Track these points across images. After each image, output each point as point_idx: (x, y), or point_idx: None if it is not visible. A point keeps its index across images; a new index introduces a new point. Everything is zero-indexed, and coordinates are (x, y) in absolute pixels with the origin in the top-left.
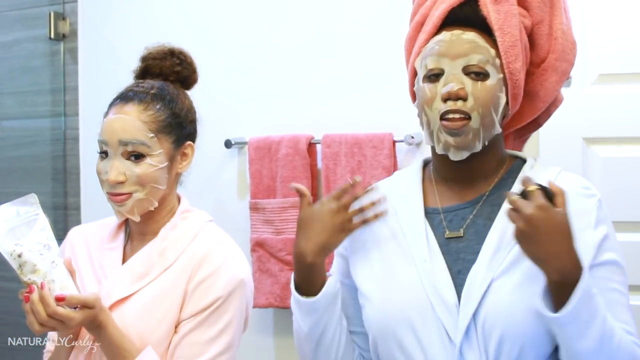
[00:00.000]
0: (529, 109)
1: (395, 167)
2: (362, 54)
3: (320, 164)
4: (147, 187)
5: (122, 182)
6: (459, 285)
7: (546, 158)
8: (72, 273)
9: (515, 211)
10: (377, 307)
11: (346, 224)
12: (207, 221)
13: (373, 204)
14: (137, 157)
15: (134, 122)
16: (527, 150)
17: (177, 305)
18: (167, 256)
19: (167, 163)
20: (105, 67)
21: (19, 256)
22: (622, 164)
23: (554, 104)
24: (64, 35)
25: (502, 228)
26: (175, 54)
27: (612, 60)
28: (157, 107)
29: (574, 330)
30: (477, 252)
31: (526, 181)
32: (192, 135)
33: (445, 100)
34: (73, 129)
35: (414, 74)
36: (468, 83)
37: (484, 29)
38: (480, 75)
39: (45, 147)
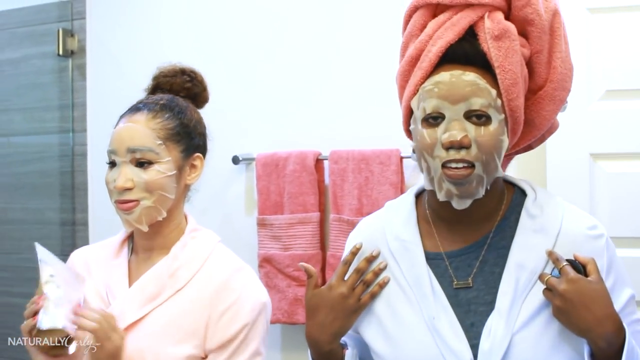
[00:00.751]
0: (523, 137)
1: (402, 183)
2: (369, 70)
3: (327, 180)
4: (155, 194)
5: (130, 189)
6: (472, 338)
7: (553, 174)
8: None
9: (549, 290)
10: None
11: (356, 304)
12: (217, 242)
13: (375, 274)
14: (145, 164)
15: (143, 130)
16: (534, 166)
17: (197, 333)
18: (179, 277)
19: (175, 172)
20: (112, 83)
21: (51, 275)
22: (628, 179)
23: (549, 130)
24: (72, 52)
25: (514, 274)
26: (186, 72)
27: (619, 77)
28: (166, 115)
29: None
30: (489, 303)
31: (555, 260)
32: (201, 148)
33: (447, 148)
34: (81, 145)
35: (409, 111)
36: (470, 129)
37: (484, 65)
38: (482, 118)
39: (54, 163)
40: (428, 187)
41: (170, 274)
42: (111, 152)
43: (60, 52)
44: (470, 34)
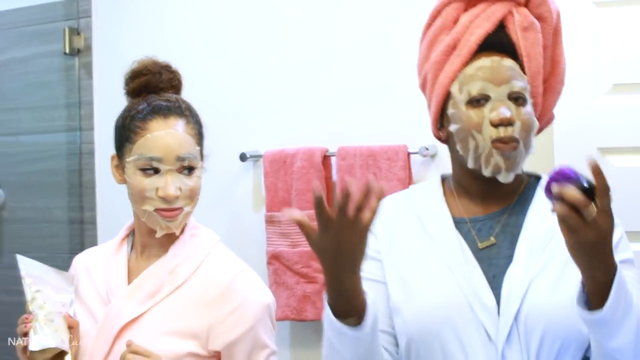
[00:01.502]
0: None
1: (410, 179)
2: (376, 65)
3: (335, 176)
4: (194, 200)
5: (177, 197)
6: (495, 288)
7: None
8: (72, 327)
9: (569, 221)
10: (416, 308)
11: (362, 231)
12: (216, 241)
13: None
14: (190, 170)
15: (186, 137)
16: (542, 161)
17: (199, 334)
18: (178, 274)
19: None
20: (119, 81)
21: (37, 291)
22: (637, 173)
23: (547, 121)
24: (78, 50)
25: (531, 233)
26: (165, 68)
27: (626, 70)
28: (193, 120)
29: (613, 326)
30: (509, 257)
31: (598, 174)
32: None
33: (496, 125)
34: (88, 143)
35: (444, 97)
36: (513, 109)
37: (512, 54)
38: (519, 100)
39: (61, 161)
40: (472, 166)
41: (169, 271)
42: (154, 160)
43: (67, 51)
44: (500, 26)
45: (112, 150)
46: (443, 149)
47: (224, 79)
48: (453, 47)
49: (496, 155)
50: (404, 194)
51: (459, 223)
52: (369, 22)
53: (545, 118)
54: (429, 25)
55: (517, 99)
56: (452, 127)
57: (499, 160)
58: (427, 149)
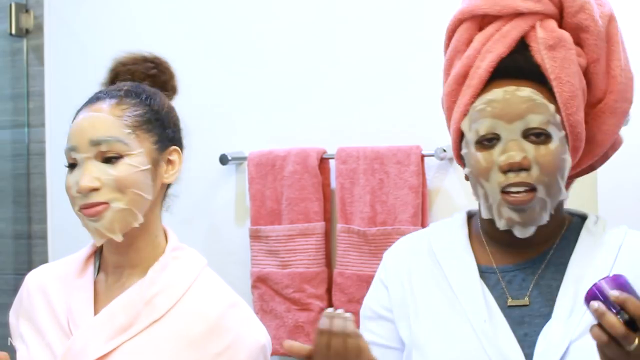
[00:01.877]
0: (585, 156)
1: (424, 187)
2: (384, 52)
3: (334, 183)
4: (128, 194)
5: (96, 189)
6: (526, 347)
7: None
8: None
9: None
10: None
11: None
12: (203, 266)
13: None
14: (113, 158)
15: (107, 117)
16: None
17: None
18: (157, 305)
19: (149, 166)
20: (75, 68)
21: None
22: None
23: (613, 147)
24: (27, 31)
25: (573, 287)
26: (148, 59)
27: None
28: (133, 101)
29: None
30: (545, 315)
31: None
32: (176, 141)
33: (505, 171)
34: (38, 143)
35: (460, 135)
36: (530, 149)
37: (538, 78)
38: (541, 137)
39: (5, 163)
40: (486, 216)
41: (146, 301)
42: (70, 150)
43: (13, 31)
44: (522, 46)
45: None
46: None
47: (201, 66)
48: (464, 76)
49: (507, 208)
50: (422, 234)
51: (485, 273)
52: (377, 4)
53: (603, 145)
54: (446, 47)
55: (537, 135)
56: (466, 170)
57: (512, 214)
58: (444, 150)
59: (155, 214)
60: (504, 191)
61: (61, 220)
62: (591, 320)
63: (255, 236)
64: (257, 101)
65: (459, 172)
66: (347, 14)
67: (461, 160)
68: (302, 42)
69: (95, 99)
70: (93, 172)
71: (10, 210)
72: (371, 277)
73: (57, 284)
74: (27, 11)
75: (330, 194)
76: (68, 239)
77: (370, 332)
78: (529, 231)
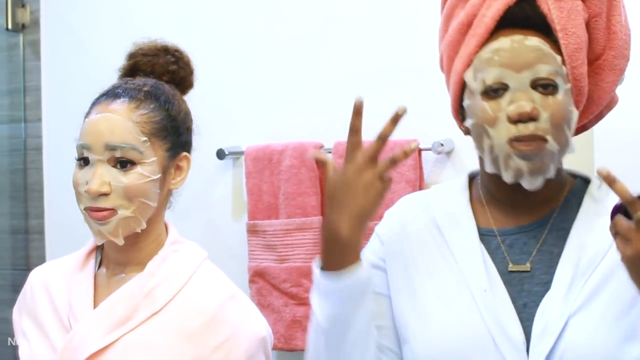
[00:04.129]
0: (582, 113)
1: (421, 181)
2: (380, 46)
3: None
4: (135, 202)
5: (106, 194)
6: (525, 320)
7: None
8: None
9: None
10: (427, 343)
11: (375, 178)
12: (203, 258)
13: (405, 152)
14: (126, 164)
15: (124, 123)
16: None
17: None
18: (156, 297)
19: (160, 175)
20: (72, 63)
21: None
22: None
23: (608, 106)
24: (23, 26)
25: (575, 254)
26: (169, 51)
27: None
28: (151, 106)
29: None
30: (545, 283)
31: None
32: (188, 146)
33: (514, 121)
34: (35, 137)
35: (461, 86)
36: (537, 99)
37: (544, 29)
38: (548, 87)
39: (2, 158)
40: (490, 170)
41: (145, 294)
42: (83, 147)
43: (9, 26)
44: None
45: (62, 145)
46: (461, 145)
47: (198, 60)
48: (468, 25)
49: (516, 158)
50: (423, 194)
51: (486, 236)
52: None
53: (600, 102)
54: (443, 2)
55: (545, 86)
56: (468, 122)
57: (520, 164)
58: (442, 144)
59: (159, 216)
60: (513, 141)
61: (58, 215)
62: (590, 292)
63: (252, 231)
64: (254, 95)
65: (456, 166)
66: (344, 9)
67: (460, 114)
68: (298, 36)
69: (113, 95)
70: (104, 177)
71: (7, 205)
72: None
73: (59, 279)
74: (23, 6)
75: None
76: (65, 234)
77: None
78: (537, 182)
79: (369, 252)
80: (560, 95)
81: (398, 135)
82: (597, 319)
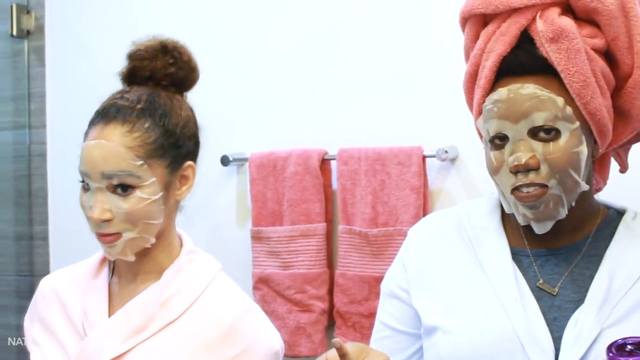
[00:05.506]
0: (623, 129)
1: (425, 188)
2: (385, 53)
3: (335, 184)
4: (139, 225)
5: (108, 220)
6: (554, 331)
7: None
8: None
9: None
10: (455, 343)
11: None
12: (218, 270)
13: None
14: (125, 188)
15: (117, 150)
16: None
17: None
18: (172, 306)
19: (161, 193)
20: (77, 69)
21: None
22: None
23: None
24: (28, 32)
25: (607, 280)
26: (168, 50)
27: None
28: (145, 125)
29: None
30: (577, 301)
31: None
32: (192, 154)
33: (514, 172)
34: (39, 144)
35: (479, 130)
36: (538, 147)
37: (546, 70)
38: (550, 133)
39: (6, 165)
40: (508, 211)
41: (161, 303)
42: (83, 174)
43: (14, 32)
44: (527, 40)
45: (67, 151)
46: (465, 152)
47: (202, 67)
48: (474, 75)
49: (520, 206)
50: (451, 211)
51: (517, 255)
52: (379, 2)
53: (638, 122)
54: (462, 29)
55: (547, 131)
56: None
57: (526, 211)
58: (446, 151)
59: (169, 226)
60: (515, 190)
61: (62, 221)
62: (624, 312)
63: (256, 237)
64: (259, 102)
65: (460, 173)
66: (349, 16)
67: None
68: (303, 43)
69: (106, 115)
70: (104, 204)
71: (11, 211)
72: (373, 279)
73: (71, 287)
74: (28, 12)
75: (331, 195)
76: (69, 240)
77: (385, 310)
78: (546, 227)
79: (392, 279)
80: (563, 140)
81: (403, 142)
82: (633, 334)
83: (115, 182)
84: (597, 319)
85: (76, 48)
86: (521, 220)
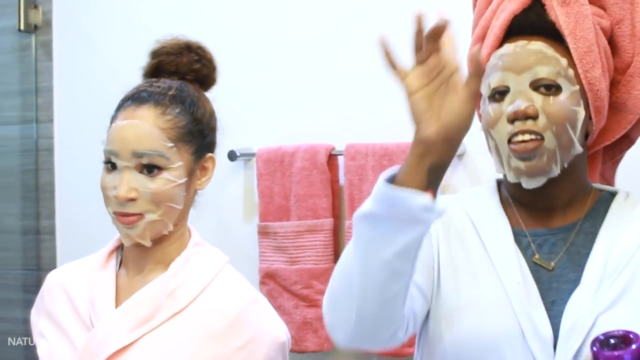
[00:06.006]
0: (617, 123)
1: None
2: (393, 47)
3: (342, 179)
4: (162, 207)
5: (133, 200)
6: (553, 317)
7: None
8: None
9: None
10: (458, 331)
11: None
12: (224, 262)
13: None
14: (153, 169)
15: (151, 130)
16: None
17: None
18: (178, 297)
19: (186, 178)
20: (84, 64)
21: None
22: None
23: None
24: (35, 27)
25: (603, 256)
26: (192, 48)
27: None
28: (177, 110)
29: None
30: (574, 281)
31: None
32: (212, 146)
33: (512, 120)
34: (47, 138)
35: (481, 94)
36: (538, 99)
37: (555, 35)
38: (551, 88)
39: (14, 159)
40: (499, 171)
41: (168, 294)
42: (111, 153)
43: (22, 27)
44: (537, 3)
45: (74, 146)
46: (472, 148)
47: None
48: (482, 37)
49: (514, 157)
50: (454, 196)
51: (517, 235)
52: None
53: (635, 111)
54: (473, 7)
55: (548, 87)
56: (481, 125)
57: (519, 164)
58: None
59: (184, 216)
60: (510, 141)
61: (69, 215)
62: (619, 291)
63: (263, 232)
64: (266, 98)
65: (467, 168)
66: (355, 12)
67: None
68: (310, 38)
69: (139, 99)
70: (132, 183)
71: (18, 205)
72: None
73: (78, 280)
74: (35, 7)
75: (338, 190)
76: (76, 234)
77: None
78: (537, 181)
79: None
80: (563, 96)
81: (409, 137)
82: (627, 317)
83: (145, 161)
84: (593, 303)
85: (83, 42)
86: (512, 177)
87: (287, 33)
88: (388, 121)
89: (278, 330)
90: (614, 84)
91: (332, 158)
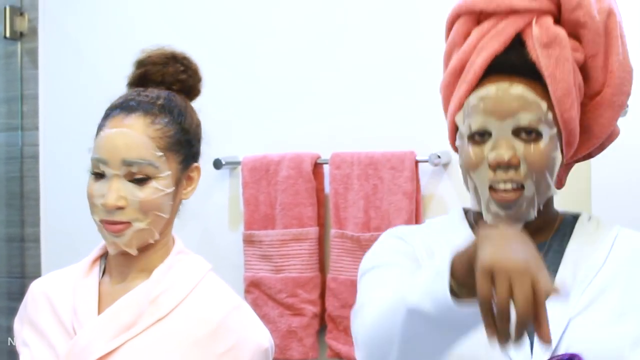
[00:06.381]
0: (581, 145)
1: (418, 193)
2: (378, 58)
3: (328, 188)
4: (150, 216)
5: (121, 208)
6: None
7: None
8: None
9: None
10: None
11: None
12: (207, 269)
13: None
14: (142, 179)
15: (141, 138)
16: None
17: None
18: (161, 304)
19: (173, 188)
20: (70, 71)
21: None
22: None
23: (609, 138)
24: (21, 34)
25: (571, 271)
26: (178, 59)
27: None
28: (166, 120)
29: None
30: None
31: None
32: (198, 156)
33: (494, 168)
34: (32, 146)
35: (455, 127)
36: (519, 147)
37: (532, 74)
38: (531, 134)
39: None
40: (475, 208)
41: (150, 300)
42: (99, 162)
43: (7, 34)
44: (518, 43)
45: (59, 153)
46: (457, 158)
47: None
48: (460, 70)
49: (494, 204)
50: (417, 227)
51: None
52: (372, 6)
53: (600, 136)
54: (446, 38)
55: (529, 132)
56: (459, 161)
57: (499, 211)
58: (438, 156)
59: (170, 225)
60: (492, 188)
61: (54, 223)
62: (590, 299)
63: (248, 241)
64: (251, 106)
65: (453, 178)
66: (342, 20)
67: (457, 149)
68: (296, 47)
69: (128, 108)
70: (120, 191)
71: (3, 213)
72: None
73: (61, 288)
74: (21, 14)
75: (324, 199)
76: (61, 242)
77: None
78: (515, 228)
79: (392, 245)
80: (543, 143)
81: (396, 147)
82: (599, 322)
83: (134, 170)
84: (564, 309)
85: (69, 50)
86: (490, 220)
87: (273, 42)
88: (374, 130)
89: (261, 337)
90: (583, 105)
91: (317, 166)
